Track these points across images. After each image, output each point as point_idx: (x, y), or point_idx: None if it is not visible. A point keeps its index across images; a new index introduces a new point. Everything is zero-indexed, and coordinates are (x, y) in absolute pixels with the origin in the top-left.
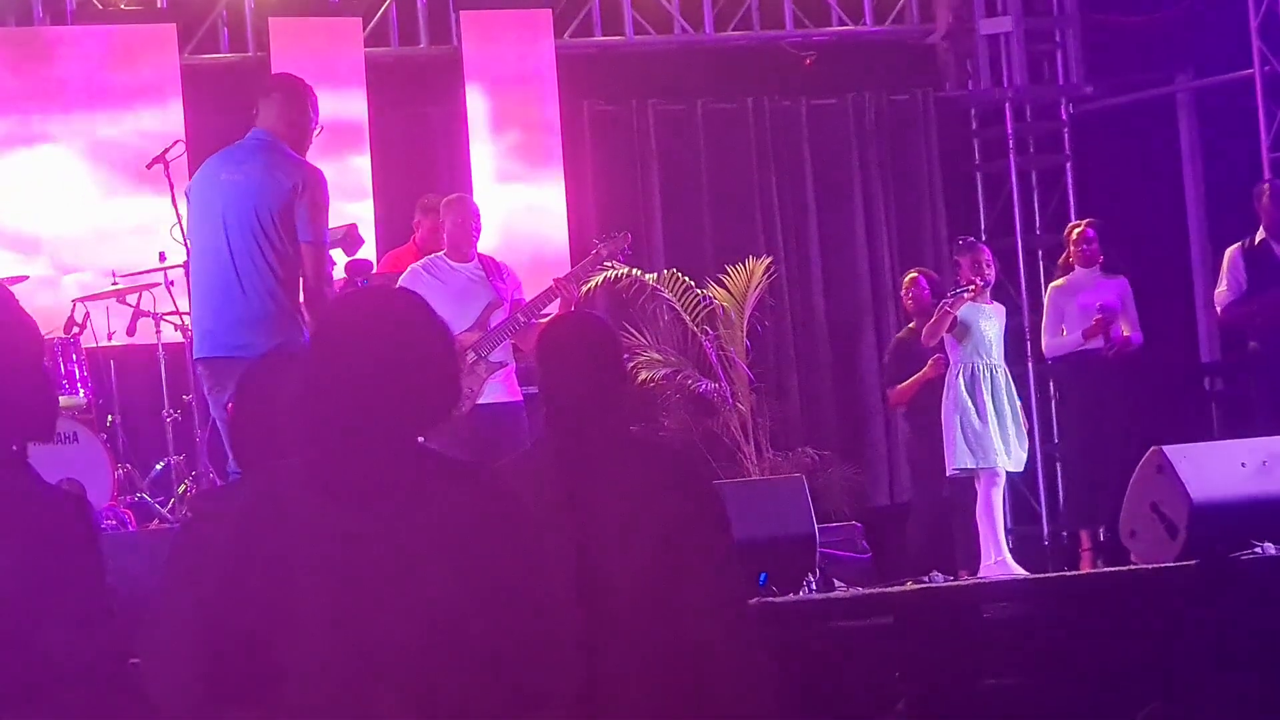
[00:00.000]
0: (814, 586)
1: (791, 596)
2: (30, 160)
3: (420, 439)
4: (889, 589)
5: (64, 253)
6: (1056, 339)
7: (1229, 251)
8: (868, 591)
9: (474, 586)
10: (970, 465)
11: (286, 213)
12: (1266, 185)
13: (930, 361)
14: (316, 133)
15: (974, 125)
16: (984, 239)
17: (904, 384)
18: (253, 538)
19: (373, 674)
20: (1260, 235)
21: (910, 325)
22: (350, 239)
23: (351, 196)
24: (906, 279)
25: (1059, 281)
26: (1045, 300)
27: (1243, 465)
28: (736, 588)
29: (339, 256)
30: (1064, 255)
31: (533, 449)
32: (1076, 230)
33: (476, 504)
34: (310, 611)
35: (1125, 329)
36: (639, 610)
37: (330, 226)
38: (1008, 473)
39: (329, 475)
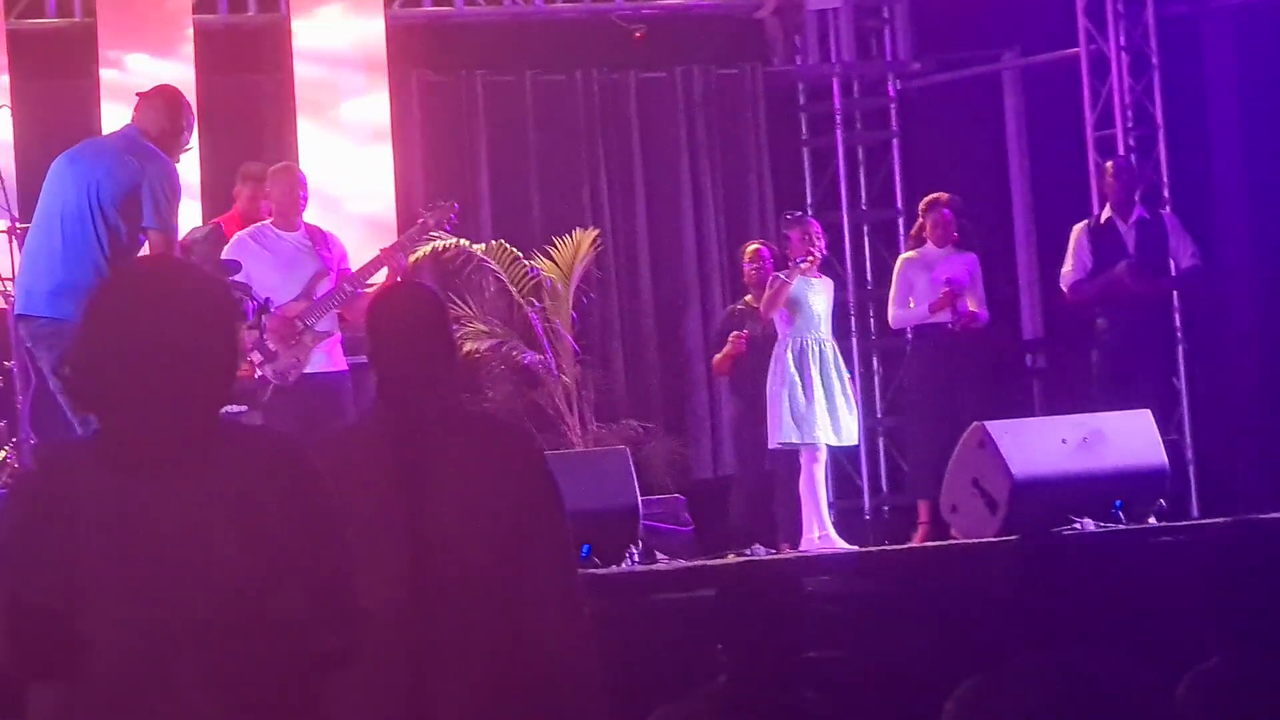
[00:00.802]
0: (636, 559)
1: (614, 568)
2: None
3: (229, 408)
4: (711, 562)
5: None
6: (904, 310)
7: (1075, 230)
8: (690, 564)
9: (264, 553)
10: (795, 440)
11: (130, 198)
12: (1111, 164)
13: (731, 338)
14: (185, 150)
15: (802, 100)
16: (810, 214)
17: (719, 356)
18: (41, 512)
19: (167, 643)
20: (1106, 214)
21: (747, 298)
22: (214, 238)
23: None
24: (749, 250)
25: (910, 254)
26: (895, 271)
27: (1063, 441)
28: (572, 565)
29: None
30: (917, 227)
31: (362, 419)
32: (933, 208)
33: (267, 470)
34: (103, 584)
35: (972, 305)
36: (475, 585)
37: (194, 226)
38: (837, 446)
39: (115, 447)
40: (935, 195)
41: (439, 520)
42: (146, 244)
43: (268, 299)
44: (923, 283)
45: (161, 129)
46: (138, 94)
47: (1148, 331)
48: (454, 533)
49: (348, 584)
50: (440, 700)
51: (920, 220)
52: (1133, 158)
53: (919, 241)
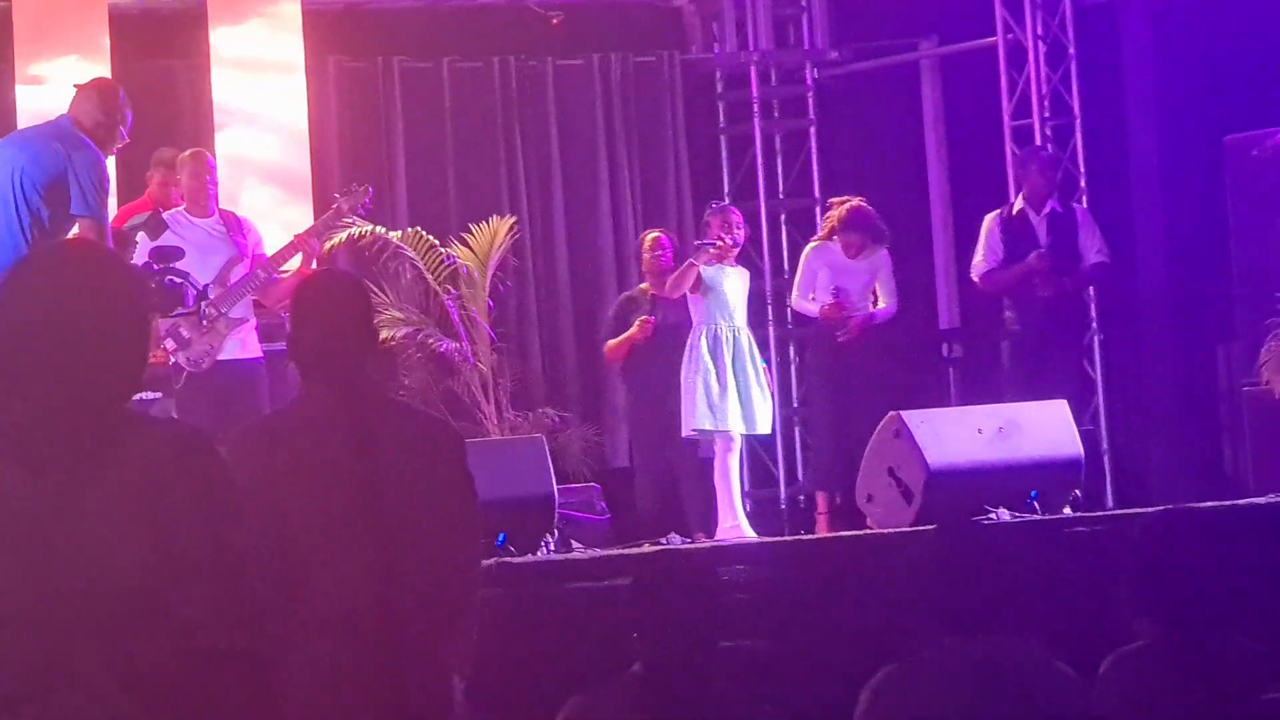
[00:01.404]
0: (552, 547)
1: (529, 557)
2: None
3: (142, 395)
4: (626, 551)
5: None
6: (804, 300)
7: (987, 220)
8: (605, 553)
9: (167, 547)
10: (709, 426)
11: (56, 184)
12: (1034, 156)
13: (638, 323)
14: (121, 144)
15: (719, 88)
16: (727, 202)
17: (615, 340)
18: None
19: (70, 636)
20: (1019, 205)
21: (643, 285)
22: (153, 224)
23: None
24: (649, 238)
25: (816, 243)
26: (802, 256)
27: (979, 432)
28: (478, 556)
29: (144, 241)
30: (829, 228)
31: (293, 406)
32: (849, 227)
33: (173, 464)
34: (4, 575)
35: (880, 297)
36: (423, 570)
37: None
38: (753, 435)
39: (18, 436)
40: (852, 208)
41: (395, 507)
42: (78, 230)
43: (207, 285)
44: (825, 275)
45: (96, 121)
46: (75, 85)
47: (1056, 323)
48: (406, 520)
49: (252, 582)
50: (412, 683)
51: (833, 225)
52: (1050, 147)
53: (829, 234)
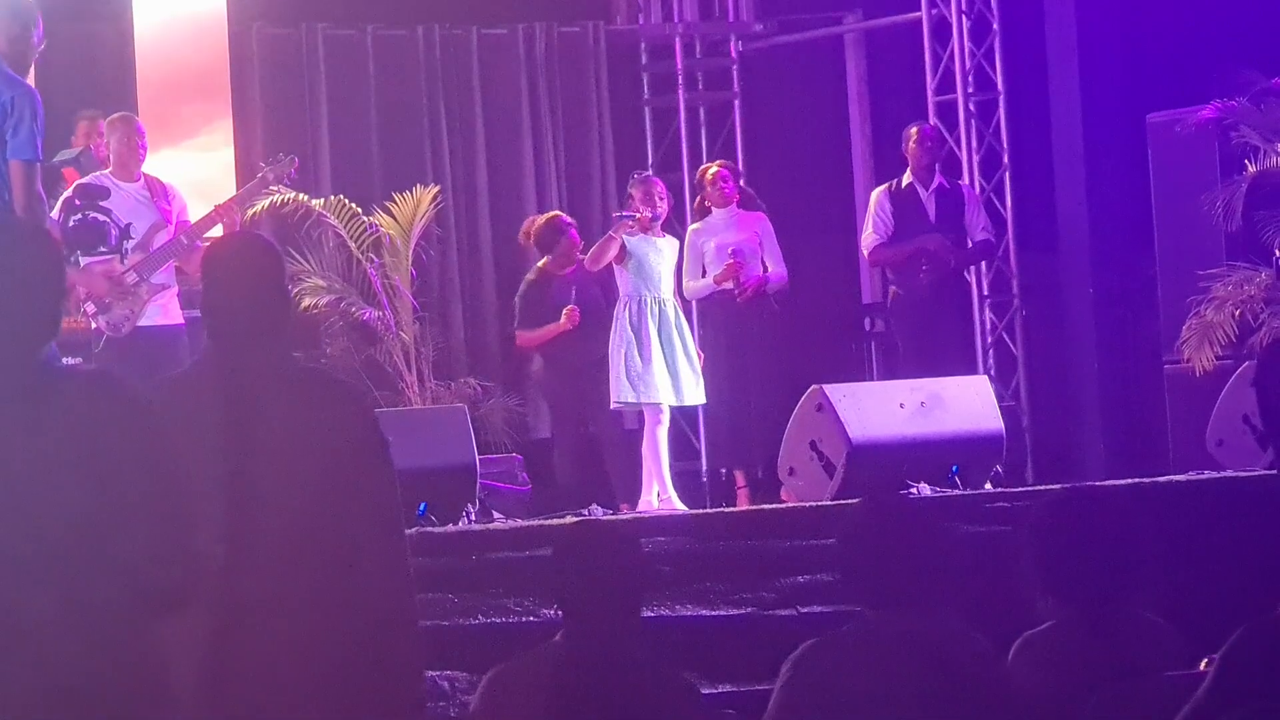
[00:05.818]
0: (473, 517)
1: (450, 527)
2: None
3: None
4: (548, 521)
5: None
6: (694, 281)
7: (875, 194)
8: (526, 523)
9: (104, 493)
10: (631, 399)
11: None
12: (915, 129)
13: (565, 312)
14: (37, 51)
15: (644, 60)
16: (651, 174)
17: (538, 331)
18: None
19: (12, 582)
20: (907, 179)
21: (540, 265)
22: (85, 160)
23: None
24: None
25: (696, 224)
26: (684, 243)
27: (901, 406)
28: (397, 525)
29: (71, 177)
30: (698, 199)
31: (192, 368)
32: (710, 171)
33: (104, 412)
34: None
35: (769, 265)
36: (292, 542)
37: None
38: (678, 407)
39: None
40: (706, 164)
41: (259, 475)
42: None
43: (129, 224)
44: (710, 250)
45: (12, 36)
46: None
47: (944, 296)
48: (273, 488)
49: (187, 522)
50: (246, 656)
51: (704, 192)
52: (975, 122)
53: (703, 212)
